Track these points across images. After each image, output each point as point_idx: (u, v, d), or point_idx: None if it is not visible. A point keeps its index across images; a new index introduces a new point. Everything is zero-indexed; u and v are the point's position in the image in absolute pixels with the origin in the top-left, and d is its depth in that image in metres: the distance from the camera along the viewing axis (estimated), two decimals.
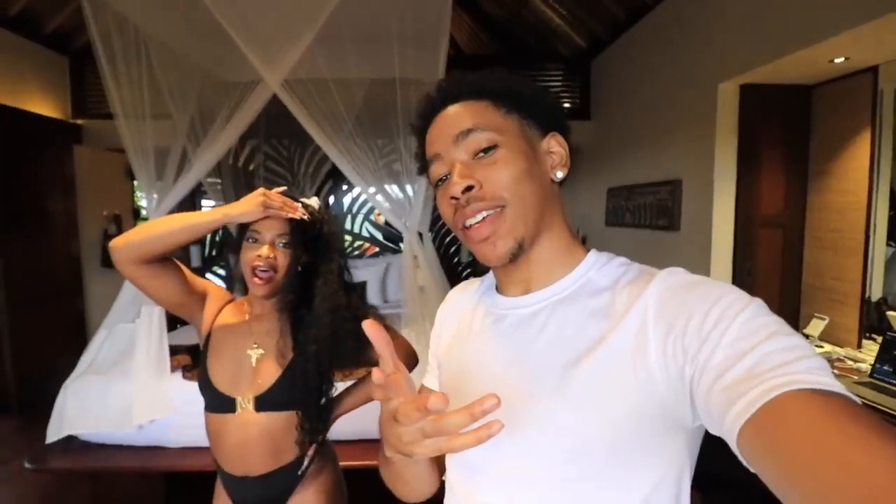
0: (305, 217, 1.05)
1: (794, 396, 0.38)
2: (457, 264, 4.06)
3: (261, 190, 1.00)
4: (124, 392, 1.98)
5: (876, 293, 2.20)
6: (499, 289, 0.65)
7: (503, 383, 0.57)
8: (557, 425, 0.53)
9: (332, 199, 4.45)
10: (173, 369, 2.10)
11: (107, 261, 3.83)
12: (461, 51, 4.00)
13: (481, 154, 0.56)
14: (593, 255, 0.60)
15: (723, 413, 0.41)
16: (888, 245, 2.22)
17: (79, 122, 3.71)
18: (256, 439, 1.02)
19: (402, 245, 4.11)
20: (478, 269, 3.90)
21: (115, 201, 4.02)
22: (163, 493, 2.12)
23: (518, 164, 0.56)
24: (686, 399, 0.47)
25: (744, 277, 2.41)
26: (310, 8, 1.97)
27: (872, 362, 1.90)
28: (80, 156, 3.66)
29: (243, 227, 1.05)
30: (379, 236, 4.51)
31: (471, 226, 0.56)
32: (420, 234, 2.58)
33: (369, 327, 0.46)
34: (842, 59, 1.95)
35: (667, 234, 2.81)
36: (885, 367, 1.83)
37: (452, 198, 0.56)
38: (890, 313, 2.10)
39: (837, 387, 0.39)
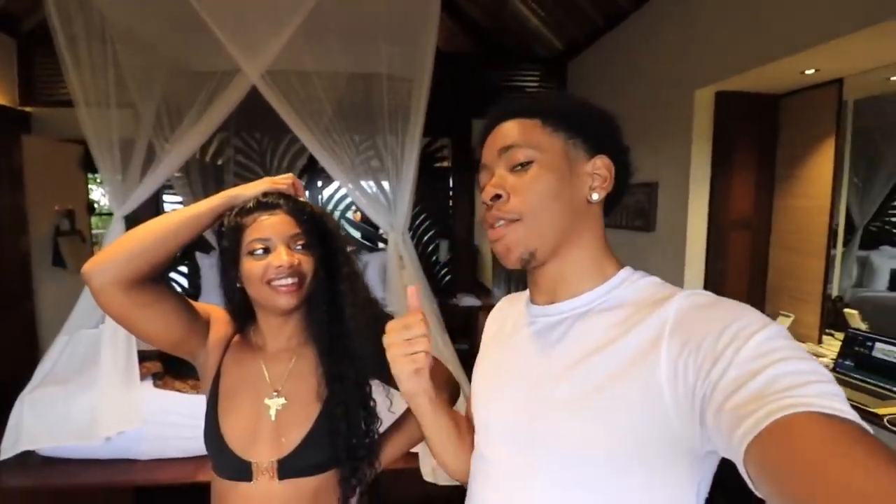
0: (307, 202, 0.91)
1: (802, 418, 0.37)
2: (435, 262, 4.02)
3: (266, 179, 0.90)
4: (88, 403, 1.84)
5: (836, 292, 2.34)
6: (530, 297, 0.68)
7: (517, 382, 0.63)
8: (559, 426, 0.55)
9: (307, 195, 4.32)
10: (143, 377, 1.96)
11: (59, 259, 3.55)
12: (439, 49, 3.96)
13: (518, 167, 0.61)
14: (626, 271, 0.62)
15: (731, 432, 0.41)
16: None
17: (27, 109, 3.43)
18: None
19: (380, 244, 4.06)
20: (457, 270, 3.88)
21: (68, 195, 3.74)
22: None
23: (547, 182, 0.59)
24: (695, 420, 0.47)
25: (716, 278, 2.51)
26: None
27: (834, 357, 2.02)
28: (29, 146, 3.38)
29: (236, 244, 0.83)
30: (356, 235, 4.42)
31: (493, 227, 0.62)
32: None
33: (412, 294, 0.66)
34: (812, 71, 2.05)
35: (643, 235, 2.88)
36: (847, 362, 1.95)
37: (483, 202, 0.63)
38: (847, 310, 2.24)
39: (850, 413, 0.38)
